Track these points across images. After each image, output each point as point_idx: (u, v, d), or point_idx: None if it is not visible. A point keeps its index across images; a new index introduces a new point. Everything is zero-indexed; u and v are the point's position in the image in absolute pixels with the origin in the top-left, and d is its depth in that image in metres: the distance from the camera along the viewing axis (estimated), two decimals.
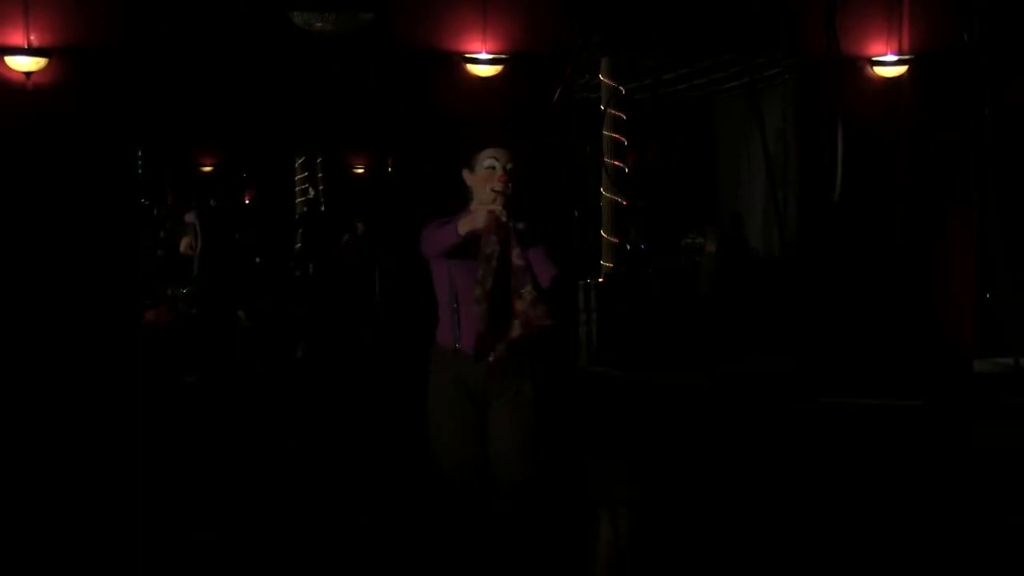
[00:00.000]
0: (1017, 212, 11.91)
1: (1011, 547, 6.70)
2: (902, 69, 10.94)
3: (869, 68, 10.95)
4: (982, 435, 9.72)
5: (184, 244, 15.93)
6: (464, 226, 4.63)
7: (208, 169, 20.22)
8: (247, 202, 20.52)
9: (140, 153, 12.18)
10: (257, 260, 16.23)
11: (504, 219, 4.59)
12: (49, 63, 9.57)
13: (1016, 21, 10.98)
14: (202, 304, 13.22)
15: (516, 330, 4.62)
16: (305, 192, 20.11)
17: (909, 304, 10.98)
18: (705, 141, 17.60)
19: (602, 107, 13.60)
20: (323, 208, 19.65)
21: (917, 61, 10.94)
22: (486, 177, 4.74)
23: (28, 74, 9.55)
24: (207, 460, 8.26)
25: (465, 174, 4.86)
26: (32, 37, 9.54)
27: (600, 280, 13.20)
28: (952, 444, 9.39)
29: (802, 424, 9.58)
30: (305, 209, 19.79)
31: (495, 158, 4.77)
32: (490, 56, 10.20)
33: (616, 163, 13.66)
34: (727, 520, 7.09)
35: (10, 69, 9.53)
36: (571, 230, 11.09)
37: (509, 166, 4.76)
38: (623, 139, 13.78)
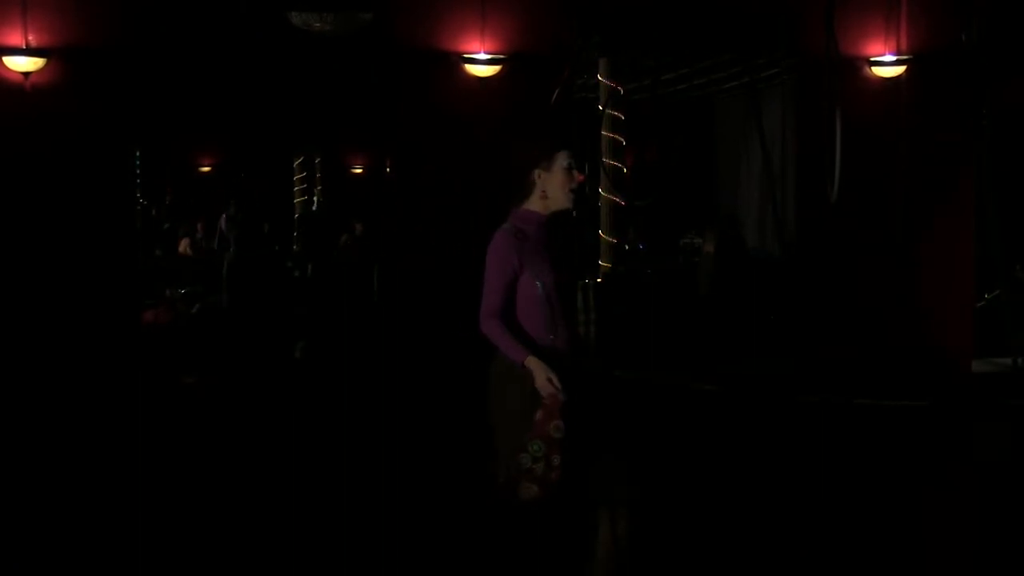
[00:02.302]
0: (1016, 212, 11.90)
1: (1007, 546, 6.69)
2: (901, 69, 10.95)
3: (868, 68, 10.96)
4: (980, 435, 9.72)
5: (183, 244, 15.95)
6: (530, 365, 4.77)
7: (206, 169, 20.24)
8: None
9: (138, 153, 12.17)
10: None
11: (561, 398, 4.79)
12: (47, 63, 9.57)
13: (1015, 21, 10.97)
14: (234, 306, 13.37)
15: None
16: (307, 193, 20.13)
17: (908, 304, 10.99)
18: (705, 141, 17.59)
19: (601, 107, 13.58)
20: (321, 208, 19.65)
21: (916, 61, 10.95)
22: (565, 178, 4.91)
23: (26, 74, 9.55)
24: (204, 459, 8.25)
25: (538, 174, 4.92)
26: (30, 37, 9.54)
27: (599, 280, 13.19)
28: (951, 444, 9.39)
29: (802, 423, 9.58)
30: (304, 210, 19.81)
31: (571, 159, 4.93)
32: (489, 56, 10.21)
33: (615, 163, 13.65)
34: (727, 519, 7.08)
35: (8, 69, 9.54)
36: (570, 230, 11.08)
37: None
38: (622, 139, 13.76)
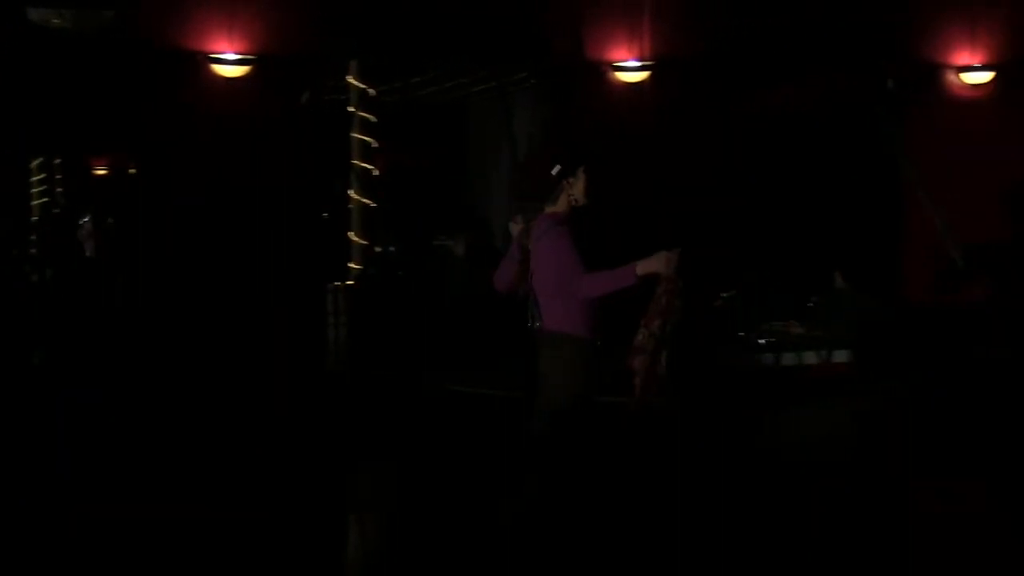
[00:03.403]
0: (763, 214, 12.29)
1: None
2: (644, 75, 11.19)
3: (612, 73, 11.17)
4: (722, 433, 10.04)
5: None
6: (643, 268, 5.58)
7: None
8: None
9: None
10: None
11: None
12: None
13: (759, 31, 11.31)
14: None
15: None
16: (48, 195, 19.51)
17: None
18: (458, 144, 17.70)
19: (351, 109, 13.54)
20: (64, 211, 19.06)
21: (658, 66, 11.21)
22: (587, 181, 5.90)
23: None
24: None
25: (569, 181, 5.88)
26: None
27: (350, 283, 13.14)
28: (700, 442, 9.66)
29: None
30: (44, 212, 19.19)
31: (587, 164, 5.90)
32: (237, 56, 10.08)
33: (365, 165, 13.61)
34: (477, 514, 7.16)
35: None
36: (319, 232, 11.04)
37: None
38: (373, 141, 13.73)
